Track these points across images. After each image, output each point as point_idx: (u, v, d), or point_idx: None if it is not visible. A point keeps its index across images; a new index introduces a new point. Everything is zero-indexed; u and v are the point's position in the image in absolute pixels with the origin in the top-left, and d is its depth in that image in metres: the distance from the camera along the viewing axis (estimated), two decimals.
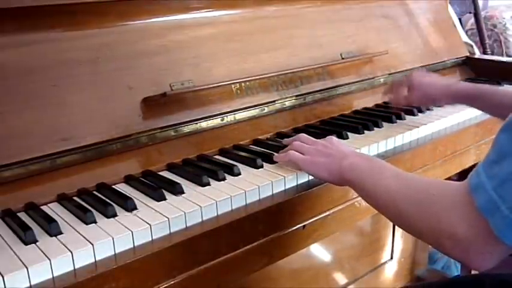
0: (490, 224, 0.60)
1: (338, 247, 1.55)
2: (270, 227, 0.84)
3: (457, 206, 0.64)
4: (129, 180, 0.91)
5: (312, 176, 0.90)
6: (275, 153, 0.97)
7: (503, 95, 1.07)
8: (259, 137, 1.11)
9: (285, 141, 1.00)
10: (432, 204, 0.67)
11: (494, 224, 0.59)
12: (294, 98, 1.22)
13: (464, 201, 0.63)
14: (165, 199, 0.82)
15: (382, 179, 0.77)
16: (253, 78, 1.13)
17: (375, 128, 1.16)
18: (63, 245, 0.69)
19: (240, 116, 1.11)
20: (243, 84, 1.12)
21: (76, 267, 0.67)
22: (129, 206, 0.79)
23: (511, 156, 0.59)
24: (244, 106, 1.12)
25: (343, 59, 1.32)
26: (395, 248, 1.76)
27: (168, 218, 0.75)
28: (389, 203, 0.74)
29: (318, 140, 0.92)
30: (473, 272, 1.78)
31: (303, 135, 0.96)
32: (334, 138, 0.93)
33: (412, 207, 0.70)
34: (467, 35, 2.05)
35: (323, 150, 0.88)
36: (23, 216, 0.79)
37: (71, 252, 0.67)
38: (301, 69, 1.23)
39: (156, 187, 0.85)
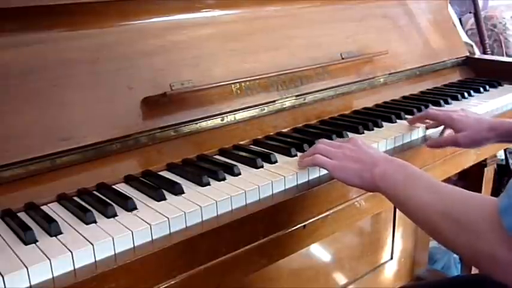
0: None
1: (338, 247, 1.55)
2: (270, 227, 0.84)
3: (495, 227, 0.62)
4: (129, 180, 0.91)
5: (342, 181, 0.87)
6: (275, 154, 0.97)
7: None
8: (259, 137, 1.11)
9: (304, 154, 0.96)
10: (469, 223, 0.66)
11: None
12: (294, 98, 1.22)
13: (499, 223, 0.62)
14: (165, 199, 0.82)
15: (416, 191, 0.75)
16: (253, 78, 1.13)
17: (375, 128, 1.16)
18: (63, 245, 0.69)
19: (240, 116, 1.11)
20: (243, 84, 1.12)
21: (76, 267, 0.67)
22: (129, 206, 0.79)
23: None
24: (244, 106, 1.12)
25: (343, 59, 1.32)
26: (395, 248, 1.76)
27: (168, 218, 0.75)
28: (424, 217, 0.73)
29: (343, 144, 0.90)
30: (473, 271, 1.78)
31: (325, 140, 0.94)
32: (358, 140, 0.90)
33: (448, 223, 0.68)
34: (467, 35, 2.05)
35: (351, 155, 0.86)
36: (23, 216, 0.78)
37: (71, 252, 0.67)
38: (301, 69, 1.23)
39: (156, 187, 0.84)
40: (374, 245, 1.69)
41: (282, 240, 0.87)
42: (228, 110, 1.09)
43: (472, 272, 1.80)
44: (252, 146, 1.08)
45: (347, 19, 1.41)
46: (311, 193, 0.90)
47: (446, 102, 1.36)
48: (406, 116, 1.22)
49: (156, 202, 0.81)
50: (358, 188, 0.88)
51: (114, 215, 0.77)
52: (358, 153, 0.86)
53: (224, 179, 0.89)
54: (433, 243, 2.04)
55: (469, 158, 1.25)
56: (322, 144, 0.92)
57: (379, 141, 1.07)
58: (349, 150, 0.87)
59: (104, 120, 0.93)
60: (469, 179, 1.66)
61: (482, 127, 1.05)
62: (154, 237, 0.74)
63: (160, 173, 0.94)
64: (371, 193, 0.98)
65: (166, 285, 0.73)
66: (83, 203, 0.81)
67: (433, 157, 1.14)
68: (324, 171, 0.94)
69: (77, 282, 0.64)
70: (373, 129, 1.15)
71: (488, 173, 1.61)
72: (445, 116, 1.10)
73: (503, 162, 2.38)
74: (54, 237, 0.71)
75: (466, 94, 1.43)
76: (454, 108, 1.16)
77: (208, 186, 0.86)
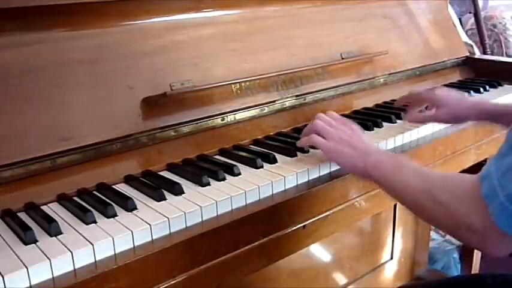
0: (489, 210, 0.63)
1: (338, 247, 1.55)
2: (270, 227, 0.84)
3: (469, 196, 0.67)
4: (129, 180, 0.91)
5: (334, 163, 0.93)
6: (275, 154, 0.97)
7: None
8: (259, 137, 1.11)
9: (304, 132, 1.00)
10: (448, 198, 0.70)
11: (492, 210, 0.63)
12: (294, 98, 1.22)
13: (475, 192, 0.66)
14: (165, 199, 0.82)
15: (404, 175, 0.80)
16: (253, 78, 1.13)
17: (375, 128, 1.16)
18: (63, 245, 0.69)
19: (240, 116, 1.11)
20: (243, 84, 1.12)
21: (76, 267, 0.67)
22: (129, 206, 0.79)
23: None
24: (244, 106, 1.12)
25: (343, 59, 1.32)
26: (395, 248, 1.76)
27: (168, 218, 0.75)
28: (411, 198, 0.77)
29: (340, 126, 0.93)
30: (473, 271, 1.78)
31: (323, 116, 0.97)
32: (355, 125, 0.95)
33: (431, 201, 0.73)
34: (467, 35, 2.05)
35: (347, 140, 0.90)
36: (23, 216, 0.79)
37: (71, 252, 0.67)
38: (301, 69, 1.23)
39: (156, 187, 0.85)
40: (374, 245, 1.69)
41: (282, 240, 0.87)
42: (228, 110, 1.09)
43: (472, 272, 1.80)
44: (252, 146, 1.08)
45: (347, 19, 1.41)
46: (311, 193, 0.90)
47: None
48: None
49: (156, 202, 0.81)
50: (357, 189, 0.92)
51: (114, 215, 0.77)
52: (354, 139, 0.90)
53: (224, 179, 0.89)
54: (433, 243, 2.04)
55: (469, 157, 1.25)
56: (320, 120, 0.95)
57: (379, 141, 1.07)
58: (345, 134, 0.91)
59: (104, 120, 0.93)
60: None
61: (463, 105, 1.10)
62: (154, 237, 0.74)
63: (161, 173, 0.94)
64: (371, 193, 0.99)
65: (166, 285, 0.73)
66: (83, 203, 0.81)
67: (433, 157, 1.14)
68: (324, 172, 0.94)
69: (77, 282, 0.64)
70: (373, 129, 1.15)
71: None
72: (427, 94, 1.15)
73: None
74: (54, 237, 0.71)
75: (466, 94, 1.43)
76: (437, 86, 1.22)
77: (208, 186, 0.86)
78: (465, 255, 1.89)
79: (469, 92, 1.45)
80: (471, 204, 0.67)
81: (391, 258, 1.77)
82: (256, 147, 1.06)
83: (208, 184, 0.87)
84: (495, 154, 0.67)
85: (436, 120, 1.13)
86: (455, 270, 2.02)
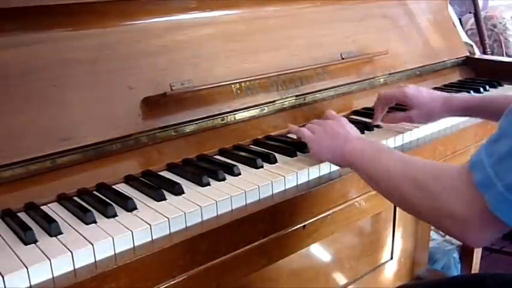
0: (486, 199, 0.62)
1: (338, 247, 1.55)
2: (270, 227, 0.85)
3: (456, 184, 0.66)
4: (129, 180, 0.91)
5: (316, 156, 0.94)
6: (275, 154, 0.97)
7: (505, 98, 1.07)
8: (259, 137, 1.11)
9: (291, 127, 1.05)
10: (433, 184, 0.69)
11: (489, 199, 0.62)
12: (294, 98, 1.22)
13: (463, 179, 0.65)
14: (165, 199, 0.82)
15: (384, 161, 0.79)
16: (253, 78, 1.13)
17: (375, 128, 1.16)
18: (63, 245, 0.69)
19: (240, 116, 1.11)
20: (243, 84, 1.12)
21: (76, 267, 0.67)
22: (129, 206, 0.79)
23: (509, 137, 0.62)
24: (244, 106, 1.12)
25: (343, 59, 1.32)
26: (395, 248, 1.76)
27: (168, 218, 0.75)
28: (391, 184, 0.77)
29: (328, 122, 0.97)
30: (473, 271, 1.78)
31: (319, 120, 1.01)
32: (342, 118, 0.97)
33: (413, 187, 0.72)
34: (467, 35, 2.05)
35: (330, 132, 0.93)
36: (23, 216, 0.79)
37: (71, 252, 0.67)
38: (301, 69, 1.23)
39: (156, 187, 0.85)
40: (374, 245, 1.69)
41: (282, 240, 0.87)
42: (228, 110, 1.09)
43: (472, 272, 1.80)
44: (252, 146, 1.08)
45: (347, 19, 1.41)
46: (311, 193, 0.90)
47: None
48: None
49: (156, 202, 0.81)
50: (357, 189, 0.92)
51: (114, 215, 0.77)
52: (337, 131, 0.92)
53: (224, 179, 0.89)
54: (433, 243, 2.04)
55: (469, 158, 1.25)
56: (314, 123, 0.99)
57: (380, 141, 1.07)
58: (329, 128, 0.94)
59: (104, 120, 0.93)
60: None
61: (435, 104, 1.11)
62: (154, 237, 0.74)
63: (161, 173, 0.94)
64: (371, 193, 0.98)
65: (166, 285, 0.73)
66: (83, 203, 0.81)
67: (433, 157, 1.14)
68: (324, 172, 0.95)
69: (77, 282, 0.64)
70: (373, 130, 1.15)
71: None
72: (399, 94, 1.14)
73: None
74: (54, 237, 0.71)
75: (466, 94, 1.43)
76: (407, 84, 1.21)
77: (208, 186, 0.86)
78: (465, 255, 1.89)
79: (469, 92, 1.45)
80: (457, 191, 0.66)
81: (391, 258, 1.77)
82: (256, 147, 1.06)
83: (208, 184, 0.87)
84: (486, 141, 0.65)
85: (410, 121, 1.13)
86: (455, 270, 2.02)
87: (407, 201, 0.74)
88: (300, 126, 1.12)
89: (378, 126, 1.17)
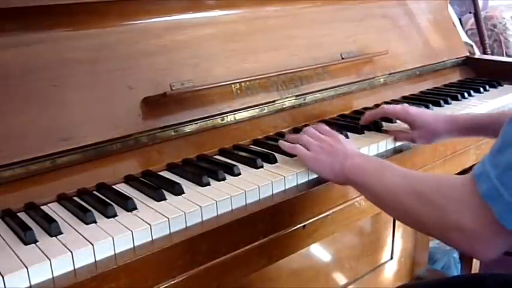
0: (493, 210, 0.61)
1: (338, 247, 1.55)
2: (270, 227, 0.84)
3: (462, 196, 0.66)
4: (129, 180, 0.91)
5: (315, 173, 0.92)
6: (275, 154, 0.97)
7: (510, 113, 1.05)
8: (259, 137, 1.11)
9: (289, 136, 1.01)
10: (438, 198, 0.69)
11: (497, 210, 0.61)
12: (294, 98, 1.21)
13: (469, 191, 0.65)
14: (165, 199, 0.82)
15: (387, 177, 0.78)
16: (253, 78, 1.13)
17: (375, 128, 1.16)
18: (63, 245, 0.69)
19: (240, 116, 1.11)
20: (243, 84, 1.12)
21: (76, 267, 0.67)
22: (129, 206, 0.79)
23: None
24: (244, 106, 1.12)
25: (343, 59, 1.32)
26: (395, 248, 1.76)
27: (168, 218, 0.75)
28: (396, 199, 0.76)
29: (324, 137, 0.93)
30: (473, 271, 1.78)
31: (310, 129, 0.97)
32: (340, 136, 0.95)
33: (418, 202, 0.71)
34: (467, 35, 2.05)
35: (327, 149, 0.90)
36: (23, 216, 0.79)
37: (71, 252, 0.67)
38: (301, 69, 1.23)
39: (156, 187, 0.85)
40: (374, 245, 1.69)
41: (282, 240, 0.87)
42: (228, 110, 1.09)
43: (472, 272, 1.80)
44: (252, 146, 1.08)
45: (347, 19, 1.41)
46: (311, 193, 0.90)
47: (446, 102, 1.35)
48: None
49: (156, 202, 0.81)
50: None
51: (114, 215, 0.77)
52: (334, 148, 0.90)
53: (224, 179, 0.89)
54: (433, 243, 2.04)
55: (469, 158, 1.25)
56: (306, 135, 0.95)
57: (379, 141, 1.07)
58: (327, 145, 0.91)
59: (104, 120, 0.93)
60: None
61: (438, 125, 1.07)
62: (154, 237, 0.74)
63: (161, 173, 0.94)
64: None
65: (166, 285, 0.73)
66: (83, 203, 0.81)
67: (433, 157, 1.14)
68: None
69: (77, 282, 0.64)
70: (373, 130, 1.15)
71: None
72: (402, 112, 1.11)
73: None
74: (54, 237, 0.71)
75: (466, 94, 1.43)
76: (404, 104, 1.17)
77: (208, 186, 0.86)
78: (465, 255, 1.89)
79: (469, 92, 1.45)
80: (463, 203, 0.65)
81: (391, 258, 1.77)
82: (256, 147, 1.06)
83: (208, 184, 0.87)
84: (489, 151, 0.65)
85: (414, 141, 1.10)
86: (455, 270, 2.02)
87: (413, 216, 0.73)
88: (294, 131, 1.12)
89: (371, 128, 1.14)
